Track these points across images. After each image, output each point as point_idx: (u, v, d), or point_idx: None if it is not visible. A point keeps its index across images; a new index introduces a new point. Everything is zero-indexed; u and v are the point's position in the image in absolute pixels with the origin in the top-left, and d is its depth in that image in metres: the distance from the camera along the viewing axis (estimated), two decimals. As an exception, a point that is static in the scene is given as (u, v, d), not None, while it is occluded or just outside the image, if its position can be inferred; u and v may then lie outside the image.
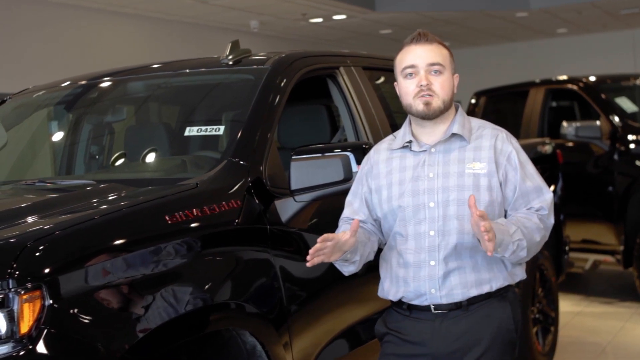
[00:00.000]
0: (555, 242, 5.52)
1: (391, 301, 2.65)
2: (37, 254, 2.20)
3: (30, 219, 2.46)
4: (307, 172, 2.93)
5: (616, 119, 7.11)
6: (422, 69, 2.52)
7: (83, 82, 3.88)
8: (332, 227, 2.71)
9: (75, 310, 2.21)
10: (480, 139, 2.56)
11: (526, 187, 2.54)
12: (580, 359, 5.50)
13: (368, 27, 13.04)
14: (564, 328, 6.07)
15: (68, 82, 3.93)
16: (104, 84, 3.87)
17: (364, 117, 3.68)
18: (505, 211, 2.57)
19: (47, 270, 2.18)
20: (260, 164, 3.01)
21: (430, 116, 2.52)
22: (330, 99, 3.82)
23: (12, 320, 2.12)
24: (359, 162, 2.86)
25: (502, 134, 2.60)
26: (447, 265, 2.50)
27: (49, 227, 2.34)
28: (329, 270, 2.83)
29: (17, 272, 2.14)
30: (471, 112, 8.39)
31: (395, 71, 2.60)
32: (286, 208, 3.00)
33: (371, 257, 2.61)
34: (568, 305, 6.88)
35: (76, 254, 2.28)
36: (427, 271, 2.51)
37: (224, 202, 2.78)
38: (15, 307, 2.13)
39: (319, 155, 2.95)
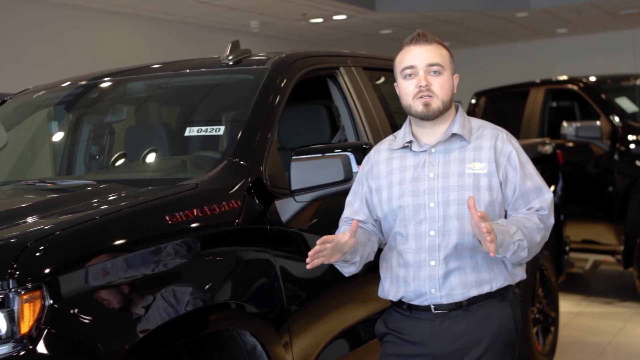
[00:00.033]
0: (556, 242, 5.52)
1: (391, 301, 2.65)
2: (38, 254, 2.20)
3: (30, 219, 2.46)
4: (308, 172, 2.93)
5: (616, 119, 7.11)
6: (421, 70, 2.52)
7: (83, 82, 3.88)
8: (333, 227, 2.71)
9: (76, 311, 2.21)
10: (481, 139, 2.56)
11: (526, 187, 2.54)
12: (581, 359, 5.50)
13: (368, 27, 13.05)
14: (564, 328, 6.07)
15: (68, 83, 3.93)
16: (104, 84, 3.87)
17: (364, 117, 3.68)
18: (505, 211, 2.58)
19: (47, 271, 2.18)
20: (261, 164, 3.01)
21: (430, 117, 2.52)
22: (331, 99, 3.82)
23: (13, 320, 2.12)
24: (359, 162, 2.86)
25: (502, 134, 2.60)
26: (447, 265, 2.50)
27: (49, 227, 2.34)
28: (329, 271, 2.82)
29: (17, 272, 2.14)
30: (471, 112, 8.39)
31: (395, 72, 2.60)
32: (286, 208, 3.00)
33: (371, 258, 2.61)
34: (568, 306, 6.88)
35: (76, 254, 2.28)
36: (428, 271, 2.51)
37: (224, 202, 2.78)
38: (16, 307, 2.13)
39: (319, 155, 2.95)
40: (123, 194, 2.79)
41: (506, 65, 15.57)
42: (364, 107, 3.70)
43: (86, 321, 2.22)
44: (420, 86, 2.50)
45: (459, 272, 2.51)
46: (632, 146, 6.97)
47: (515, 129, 7.59)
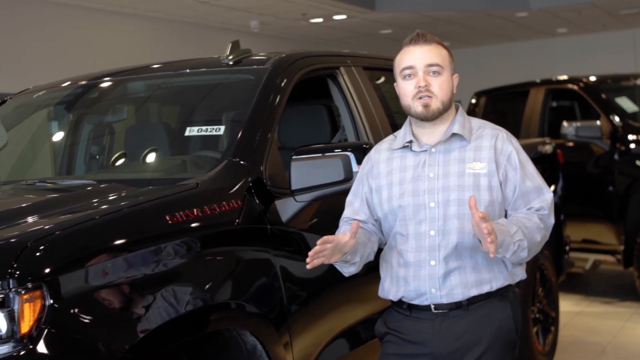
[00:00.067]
0: (556, 242, 5.52)
1: (391, 301, 2.65)
2: (38, 254, 2.20)
3: (30, 219, 2.46)
4: (308, 172, 2.93)
5: (616, 118, 7.11)
6: (420, 70, 2.52)
7: (83, 82, 3.88)
8: (333, 227, 2.71)
9: (76, 310, 2.21)
10: (481, 138, 2.56)
11: (526, 187, 2.54)
12: (581, 359, 5.50)
13: (368, 27, 13.05)
14: (564, 328, 6.07)
15: (68, 82, 3.93)
16: (104, 84, 3.87)
17: (365, 117, 3.68)
18: (506, 211, 2.58)
19: (47, 270, 2.18)
20: (261, 163, 3.01)
21: (429, 118, 2.52)
22: (331, 99, 3.82)
23: (13, 320, 2.12)
24: (359, 162, 2.86)
25: (503, 133, 2.60)
26: (447, 265, 2.50)
27: (49, 227, 2.34)
28: (330, 271, 2.82)
29: (17, 272, 2.14)
30: (471, 112, 8.39)
31: (395, 72, 2.60)
32: (286, 208, 3.00)
33: (371, 258, 2.61)
34: (568, 305, 6.88)
35: (76, 254, 2.29)
36: (428, 271, 2.51)
37: (224, 202, 2.78)
38: (16, 307, 2.13)
39: (320, 155, 2.95)
40: (123, 194, 2.79)
41: (506, 65, 15.57)
42: (364, 107, 3.70)
43: (86, 321, 2.22)
44: (420, 87, 2.50)
45: (459, 272, 2.51)
46: (632, 146, 6.97)
47: (515, 128, 7.59)
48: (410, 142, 2.59)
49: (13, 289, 2.13)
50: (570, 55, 15.21)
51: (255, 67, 3.47)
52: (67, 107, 4.04)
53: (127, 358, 2.27)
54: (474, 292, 2.52)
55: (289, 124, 3.93)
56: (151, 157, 3.57)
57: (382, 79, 4.29)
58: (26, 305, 2.13)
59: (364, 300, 3.38)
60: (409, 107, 2.54)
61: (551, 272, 5.26)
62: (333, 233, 2.48)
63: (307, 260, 2.35)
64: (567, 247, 5.89)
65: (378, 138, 3.34)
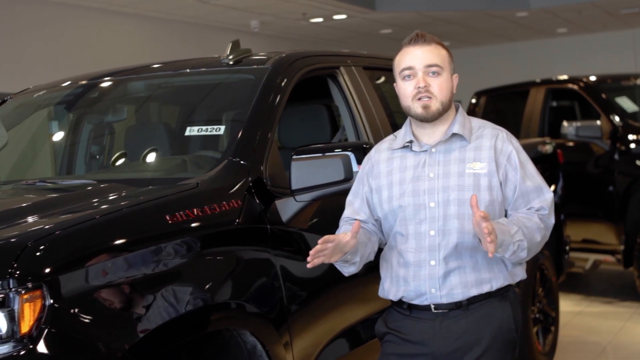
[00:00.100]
0: (556, 242, 5.52)
1: (391, 301, 2.65)
2: (38, 253, 2.20)
3: (30, 219, 2.46)
4: (308, 172, 2.93)
5: (617, 118, 7.11)
6: (419, 71, 2.51)
7: (83, 82, 3.88)
8: (333, 226, 2.71)
9: (76, 310, 2.21)
10: (481, 138, 2.56)
11: (526, 186, 2.54)
12: (581, 359, 5.50)
13: (368, 27, 13.04)
14: (565, 328, 6.07)
15: (68, 82, 3.93)
16: (105, 84, 3.87)
17: (365, 116, 3.68)
18: (506, 211, 2.58)
19: (47, 270, 2.18)
20: (261, 163, 3.01)
21: (429, 119, 2.52)
22: (331, 99, 3.82)
23: (13, 319, 2.12)
24: (359, 161, 2.86)
25: (503, 133, 2.60)
26: (447, 265, 2.50)
27: (49, 227, 2.34)
28: (330, 270, 2.82)
29: (17, 272, 2.14)
30: (471, 111, 8.39)
31: (394, 72, 2.60)
32: (287, 208, 3.00)
33: (371, 258, 2.61)
34: (568, 305, 6.88)
35: (77, 254, 2.29)
36: (428, 271, 2.51)
37: (224, 202, 2.78)
38: (16, 307, 2.13)
39: (320, 155, 2.95)
40: (123, 194, 2.79)
41: (506, 64, 15.57)
42: (364, 106, 3.70)
43: (86, 321, 2.22)
44: (419, 87, 2.50)
45: (459, 272, 2.51)
46: (633, 146, 6.97)
47: (515, 128, 7.59)
48: (411, 142, 2.59)
49: (13, 289, 2.13)
50: (570, 55, 15.21)
51: (255, 66, 3.47)
52: (67, 106, 4.04)
53: (127, 358, 2.27)
54: (474, 292, 2.52)
55: (289, 124, 3.93)
56: (151, 157, 3.57)
57: (382, 79, 4.29)
58: (26, 305, 2.13)
59: (364, 300, 3.38)
60: (409, 108, 2.54)
61: (551, 272, 5.26)
62: (333, 233, 2.48)
63: (308, 259, 2.35)
64: (567, 247, 5.89)
65: (378, 138, 3.34)
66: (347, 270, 2.56)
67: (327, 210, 3.09)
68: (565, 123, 7.19)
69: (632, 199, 6.89)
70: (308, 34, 13.56)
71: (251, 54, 3.60)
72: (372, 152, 2.71)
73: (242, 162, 2.97)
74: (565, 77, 8.12)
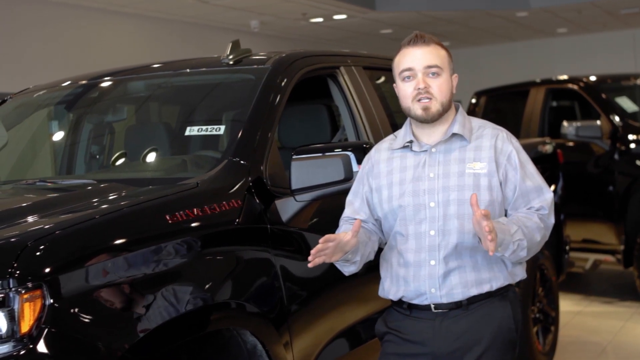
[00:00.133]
0: (556, 242, 5.52)
1: (391, 300, 2.65)
2: (38, 253, 2.20)
3: (30, 219, 2.46)
4: (308, 172, 2.93)
5: (617, 118, 7.11)
6: (419, 72, 2.51)
7: (83, 82, 3.88)
8: (333, 226, 2.71)
9: (76, 310, 2.21)
10: (481, 138, 2.56)
11: (526, 186, 2.54)
12: (581, 359, 5.50)
13: (368, 27, 13.05)
14: (565, 327, 6.07)
15: (68, 82, 3.93)
16: (105, 84, 3.87)
17: (365, 116, 3.68)
18: (506, 210, 2.58)
19: (47, 270, 2.18)
20: (261, 163, 3.01)
21: (429, 120, 2.53)
22: (331, 99, 3.82)
23: (13, 319, 2.12)
24: (359, 161, 2.86)
25: (503, 133, 2.60)
26: (447, 265, 2.50)
27: (49, 226, 2.34)
28: (330, 270, 2.83)
29: (17, 272, 2.14)
30: (471, 111, 8.39)
31: (394, 73, 2.60)
32: (287, 208, 3.00)
33: (372, 257, 2.62)
34: (568, 305, 6.88)
35: (77, 254, 2.29)
36: (427, 270, 2.51)
37: (224, 202, 2.78)
38: (16, 307, 2.13)
39: (320, 154, 2.95)
40: (123, 194, 2.79)
41: (506, 64, 15.58)
42: (364, 106, 3.71)
43: (86, 320, 2.22)
44: (419, 89, 2.50)
45: (459, 272, 2.51)
46: (633, 146, 6.97)
47: (515, 128, 7.59)
48: (411, 142, 2.59)
49: (13, 289, 2.13)
50: (570, 55, 15.21)
51: (255, 66, 3.47)
52: (68, 106, 4.04)
53: (127, 357, 2.27)
54: (474, 291, 2.52)
55: (289, 124, 3.93)
56: (151, 157, 3.57)
57: (383, 79, 4.29)
58: (26, 305, 2.13)
59: (364, 300, 3.38)
60: (409, 109, 2.54)
61: (551, 271, 5.26)
62: (333, 232, 2.47)
63: (309, 258, 2.35)
64: (567, 247, 5.89)
65: (378, 138, 3.34)
66: (348, 269, 2.56)
67: (327, 210, 3.09)
68: (565, 123, 7.19)
69: (632, 199, 6.89)
70: (308, 34, 13.56)
71: (251, 54, 3.60)
72: (372, 152, 2.71)
73: (242, 162, 2.97)
74: (565, 77, 8.12)
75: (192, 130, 3.58)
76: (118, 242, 2.41)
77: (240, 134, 3.09)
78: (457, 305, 2.53)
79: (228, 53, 3.54)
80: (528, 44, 15.87)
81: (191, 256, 2.58)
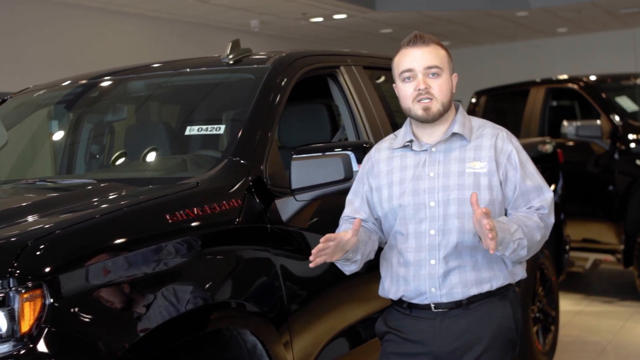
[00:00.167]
0: (556, 241, 5.52)
1: (391, 300, 2.65)
2: (38, 253, 2.20)
3: (30, 218, 2.46)
4: (308, 171, 2.94)
5: (617, 118, 7.11)
6: (419, 73, 2.51)
7: (83, 82, 3.88)
8: (333, 226, 2.71)
9: (76, 309, 2.21)
10: (481, 138, 2.56)
11: (526, 186, 2.54)
12: (581, 358, 5.50)
13: (368, 27, 13.04)
14: (565, 327, 6.07)
15: (68, 82, 3.93)
16: (105, 83, 3.88)
17: (365, 116, 3.68)
18: (506, 210, 2.58)
19: (47, 269, 2.18)
20: (261, 163, 3.01)
21: (430, 120, 2.53)
22: (331, 98, 3.82)
23: (13, 319, 2.13)
24: (359, 161, 2.86)
25: (503, 133, 2.60)
26: (447, 264, 2.50)
27: (49, 226, 2.34)
28: (330, 269, 2.83)
29: (17, 271, 2.14)
30: (472, 111, 8.39)
31: (393, 73, 2.60)
32: (287, 207, 3.00)
33: (372, 256, 2.62)
34: (568, 305, 6.88)
35: (77, 253, 2.29)
36: (428, 270, 2.51)
37: (224, 201, 2.78)
38: (16, 306, 2.13)
39: (320, 154, 2.95)
40: (123, 193, 2.79)
41: (506, 64, 15.57)
42: (364, 106, 3.71)
43: (87, 320, 2.22)
44: (419, 89, 2.50)
45: (459, 271, 2.51)
46: (633, 145, 6.97)
47: (515, 128, 7.59)
48: (411, 141, 2.59)
49: (13, 288, 2.13)
50: (570, 55, 15.21)
51: (255, 66, 3.47)
52: (68, 106, 4.04)
53: (127, 357, 2.27)
54: (474, 291, 2.52)
55: (289, 123, 3.93)
56: (151, 156, 3.57)
57: (383, 78, 4.29)
58: (26, 304, 2.13)
59: (364, 299, 3.38)
60: (409, 110, 2.54)
61: (551, 271, 5.26)
62: (333, 232, 2.47)
63: (310, 258, 2.35)
64: (567, 247, 5.89)
65: (378, 137, 3.34)
66: (348, 268, 2.56)
67: (327, 210, 3.09)
68: (565, 122, 7.19)
69: (632, 199, 6.89)
70: (308, 33, 13.56)
71: (251, 54, 3.60)
72: (372, 152, 2.71)
73: (242, 161, 2.97)
74: (565, 76, 8.12)
75: (192, 130, 3.58)
76: (118, 241, 2.41)
77: (240, 134, 3.09)
78: (457, 305, 2.53)
79: (228, 53, 3.54)
80: (528, 44, 15.87)
81: (191, 256, 2.58)
